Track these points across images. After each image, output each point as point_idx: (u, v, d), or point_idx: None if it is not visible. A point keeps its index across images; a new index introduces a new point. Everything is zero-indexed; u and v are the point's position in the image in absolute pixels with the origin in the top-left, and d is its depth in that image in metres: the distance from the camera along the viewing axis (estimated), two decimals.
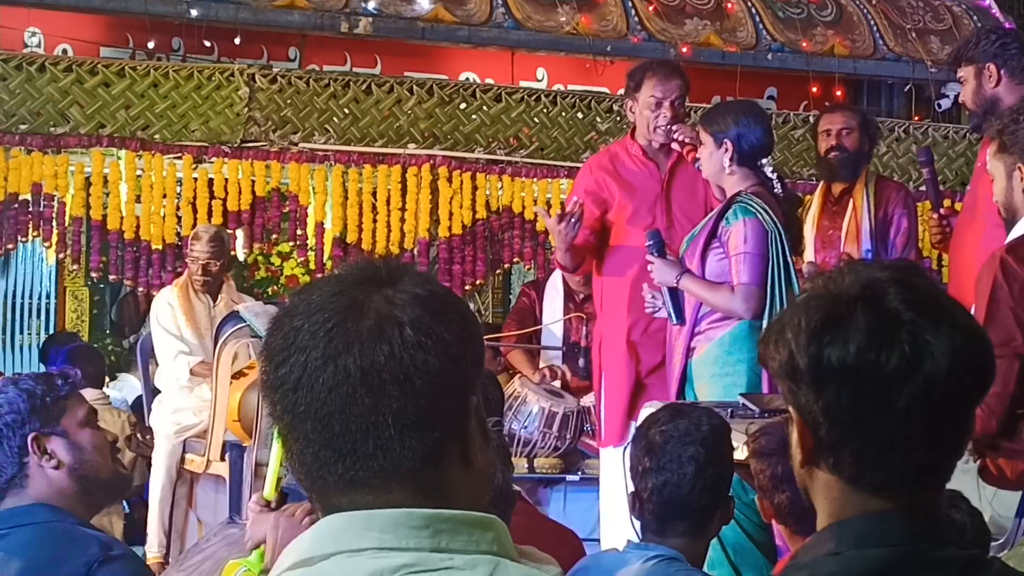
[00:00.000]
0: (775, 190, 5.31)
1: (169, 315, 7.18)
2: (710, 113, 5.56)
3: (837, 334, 1.67)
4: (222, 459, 6.78)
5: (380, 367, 1.49)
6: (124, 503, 7.59)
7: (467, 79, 9.20)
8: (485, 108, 8.22)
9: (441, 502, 1.50)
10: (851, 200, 6.41)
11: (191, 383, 7.09)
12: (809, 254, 6.48)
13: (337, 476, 1.51)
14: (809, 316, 1.69)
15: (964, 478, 3.91)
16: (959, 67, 5.22)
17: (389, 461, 1.50)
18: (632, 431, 5.58)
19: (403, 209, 8.07)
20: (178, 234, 7.73)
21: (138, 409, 7.93)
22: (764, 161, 5.32)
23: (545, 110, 8.37)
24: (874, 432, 1.67)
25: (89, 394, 7.48)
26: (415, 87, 8.16)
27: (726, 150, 5.25)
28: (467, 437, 1.55)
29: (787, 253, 5.18)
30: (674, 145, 5.58)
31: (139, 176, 7.67)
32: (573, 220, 5.44)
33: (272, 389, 1.54)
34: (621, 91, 9.46)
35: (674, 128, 5.54)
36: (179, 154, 7.73)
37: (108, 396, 7.97)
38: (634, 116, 5.66)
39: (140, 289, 7.97)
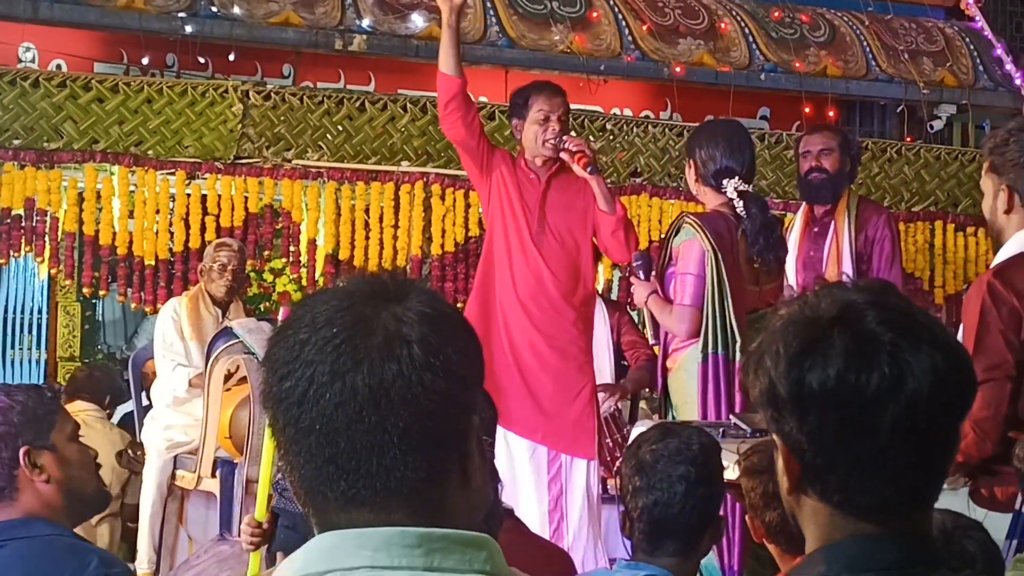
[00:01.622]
0: (738, 211, 5.39)
1: (173, 326, 7.19)
2: (694, 129, 5.75)
3: (816, 359, 1.65)
4: (213, 476, 6.77)
5: (388, 385, 1.48)
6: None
7: None
8: None
9: (439, 521, 1.50)
10: (833, 222, 6.41)
11: (189, 394, 7.08)
12: (791, 276, 6.51)
13: (338, 493, 1.50)
14: (787, 342, 1.68)
15: (955, 501, 3.91)
16: None
17: (392, 480, 1.49)
18: None
19: (396, 226, 8.08)
20: (170, 250, 7.73)
21: (126, 426, 7.93)
22: (726, 182, 5.40)
23: None
24: (859, 456, 1.66)
25: (79, 405, 7.51)
26: (409, 104, 8.17)
27: (691, 167, 5.45)
28: (468, 456, 1.55)
29: (721, 275, 5.27)
30: (563, 155, 5.72)
31: (132, 192, 7.66)
32: None
33: (275, 401, 1.53)
34: (615, 110, 9.58)
35: (564, 138, 5.70)
36: (172, 170, 7.73)
37: (100, 409, 7.96)
38: (520, 134, 5.82)
39: (133, 304, 7.95)
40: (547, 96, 5.82)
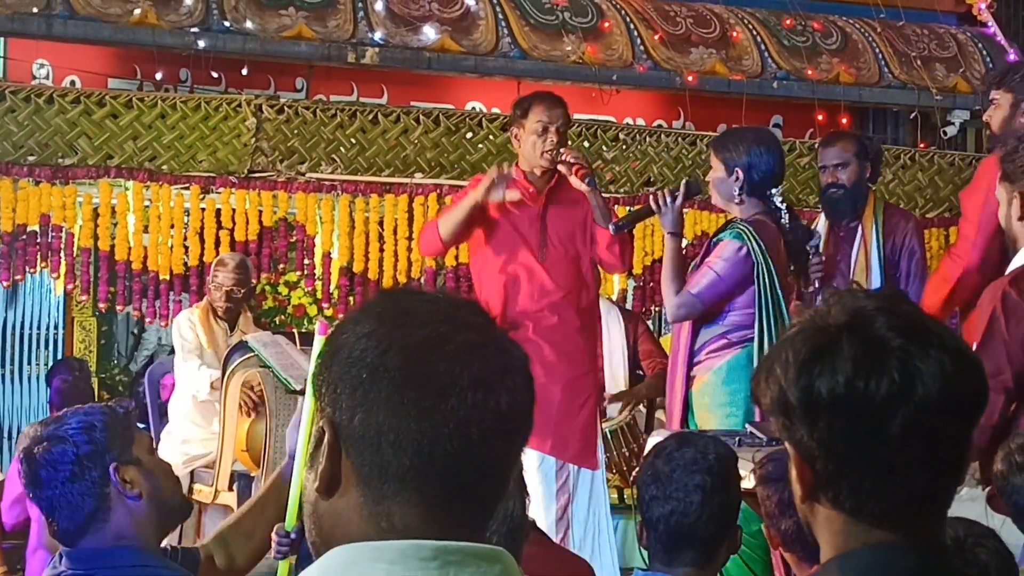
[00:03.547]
0: (781, 220, 5.34)
1: (192, 332, 7.25)
2: (723, 139, 5.62)
3: (825, 365, 1.65)
4: (230, 489, 6.79)
5: (519, 407, 1.52)
6: None
7: (473, 108, 9.23)
8: (491, 137, 8.24)
9: (480, 537, 1.52)
10: (859, 229, 6.37)
11: (210, 396, 7.12)
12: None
13: (422, 492, 1.50)
14: (796, 349, 1.68)
15: (972, 507, 3.91)
16: (996, 89, 5.25)
17: (481, 499, 1.54)
18: None
19: (410, 238, 8.08)
20: (186, 264, 7.74)
21: None
22: (773, 191, 5.34)
23: None
24: (870, 462, 1.65)
25: None
26: (421, 117, 8.18)
27: (736, 179, 5.31)
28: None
29: (775, 284, 5.22)
30: (562, 167, 5.72)
31: (147, 207, 7.68)
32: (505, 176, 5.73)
33: (409, 384, 1.50)
34: (628, 120, 9.58)
35: (562, 150, 5.71)
36: (187, 184, 7.74)
37: None
38: (519, 143, 5.84)
39: (147, 320, 7.97)
40: (546, 107, 5.82)
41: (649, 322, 8.67)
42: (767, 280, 5.22)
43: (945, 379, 1.65)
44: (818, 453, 1.67)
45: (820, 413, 1.66)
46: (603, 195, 6.03)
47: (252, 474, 6.65)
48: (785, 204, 5.39)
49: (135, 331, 10.41)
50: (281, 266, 8.13)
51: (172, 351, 7.77)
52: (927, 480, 1.68)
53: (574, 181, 5.69)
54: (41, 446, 2.98)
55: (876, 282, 6.20)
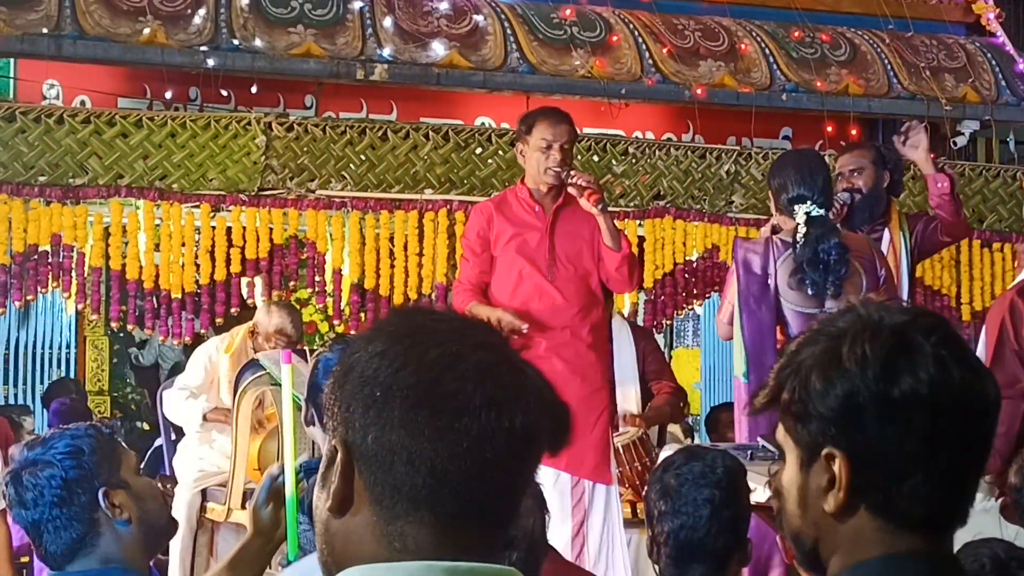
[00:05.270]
0: (798, 234, 5.41)
1: (204, 372, 7.26)
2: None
3: (908, 365, 1.63)
4: (243, 507, 6.78)
5: (534, 428, 1.51)
6: None
7: (483, 124, 9.23)
8: (501, 152, 8.25)
9: (494, 558, 1.51)
10: (885, 235, 6.36)
11: (202, 429, 7.13)
12: None
13: (431, 507, 1.49)
14: (871, 348, 1.65)
15: (986, 517, 3.91)
16: None
17: (501, 521, 1.53)
18: None
19: (420, 254, 8.09)
20: (197, 282, 7.76)
21: (153, 460, 7.94)
22: (797, 208, 5.43)
23: None
24: (935, 463, 1.64)
25: None
26: (431, 132, 8.19)
27: (770, 199, 5.58)
28: None
29: (736, 296, 5.36)
30: (572, 189, 5.73)
31: (157, 225, 7.70)
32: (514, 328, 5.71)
33: (423, 403, 1.49)
34: (637, 133, 9.58)
35: (572, 173, 5.72)
36: (197, 203, 7.75)
37: None
38: (524, 159, 5.83)
39: (161, 338, 7.98)
40: (551, 124, 5.81)
41: (660, 336, 8.66)
42: (738, 297, 5.40)
43: (995, 390, 1.68)
44: (887, 455, 1.64)
45: (900, 414, 1.63)
46: (613, 210, 6.06)
47: None
48: (806, 218, 5.45)
49: (128, 350, 10.43)
50: (292, 283, 8.14)
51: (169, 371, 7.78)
52: (970, 484, 1.69)
53: (584, 204, 5.71)
54: (28, 470, 2.95)
55: (905, 289, 6.22)
